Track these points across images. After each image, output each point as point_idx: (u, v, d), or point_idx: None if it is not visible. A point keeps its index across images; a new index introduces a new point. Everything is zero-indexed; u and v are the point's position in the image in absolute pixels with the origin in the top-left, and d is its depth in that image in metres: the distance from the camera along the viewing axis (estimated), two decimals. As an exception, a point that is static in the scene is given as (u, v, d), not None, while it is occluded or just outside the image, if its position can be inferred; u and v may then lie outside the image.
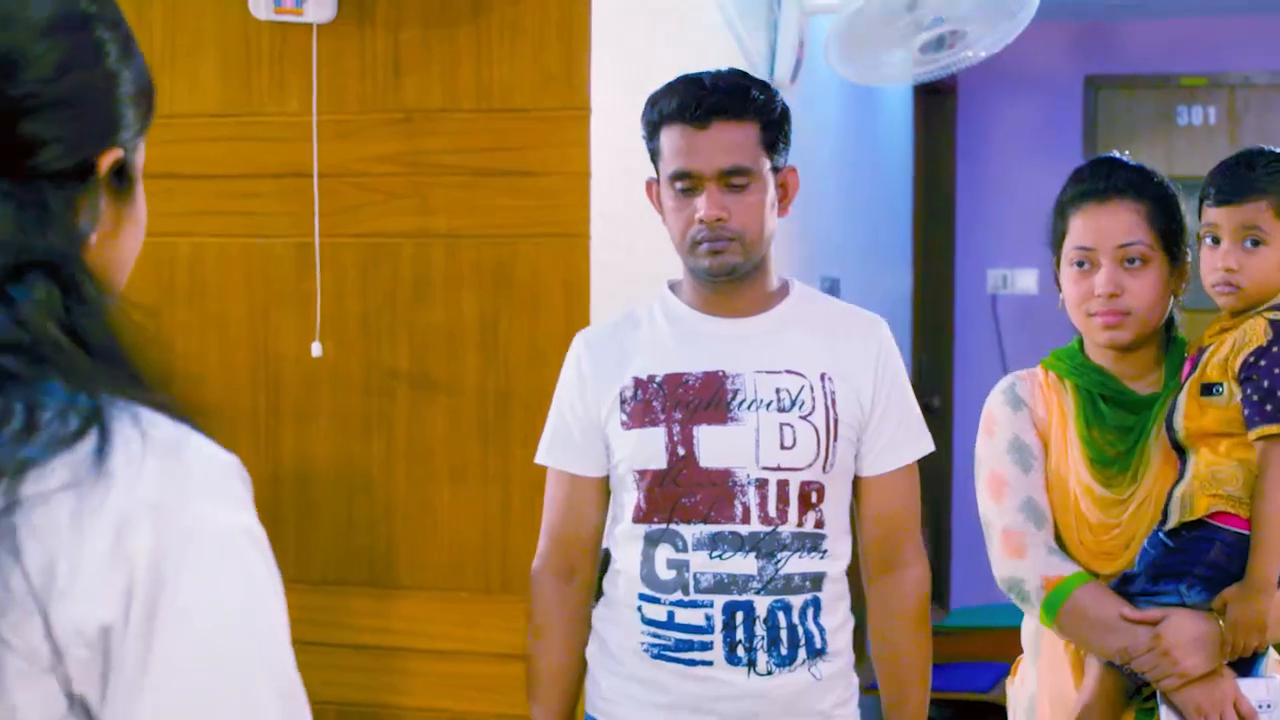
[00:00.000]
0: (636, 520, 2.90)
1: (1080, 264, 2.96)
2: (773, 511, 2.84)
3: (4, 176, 1.23)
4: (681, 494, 2.86)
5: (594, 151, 3.74)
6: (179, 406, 1.25)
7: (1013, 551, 2.93)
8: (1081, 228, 2.96)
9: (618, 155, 3.81)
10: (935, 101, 8.15)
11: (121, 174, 1.33)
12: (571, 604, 3.04)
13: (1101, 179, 2.97)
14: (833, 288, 5.92)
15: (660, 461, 2.87)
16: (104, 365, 1.22)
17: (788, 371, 2.89)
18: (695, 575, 2.84)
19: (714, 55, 4.55)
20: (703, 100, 2.84)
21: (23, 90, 1.23)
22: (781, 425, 2.85)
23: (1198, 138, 8.12)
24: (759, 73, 4.58)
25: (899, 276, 7.67)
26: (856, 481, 2.97)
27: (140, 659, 1.15)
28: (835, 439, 2.87)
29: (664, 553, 2.87)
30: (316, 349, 3.85)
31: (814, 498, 2.87)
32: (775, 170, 2.90)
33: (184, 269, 4.01)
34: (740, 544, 2.83)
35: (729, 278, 2.88)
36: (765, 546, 2.83)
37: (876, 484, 2.96)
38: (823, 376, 2.89)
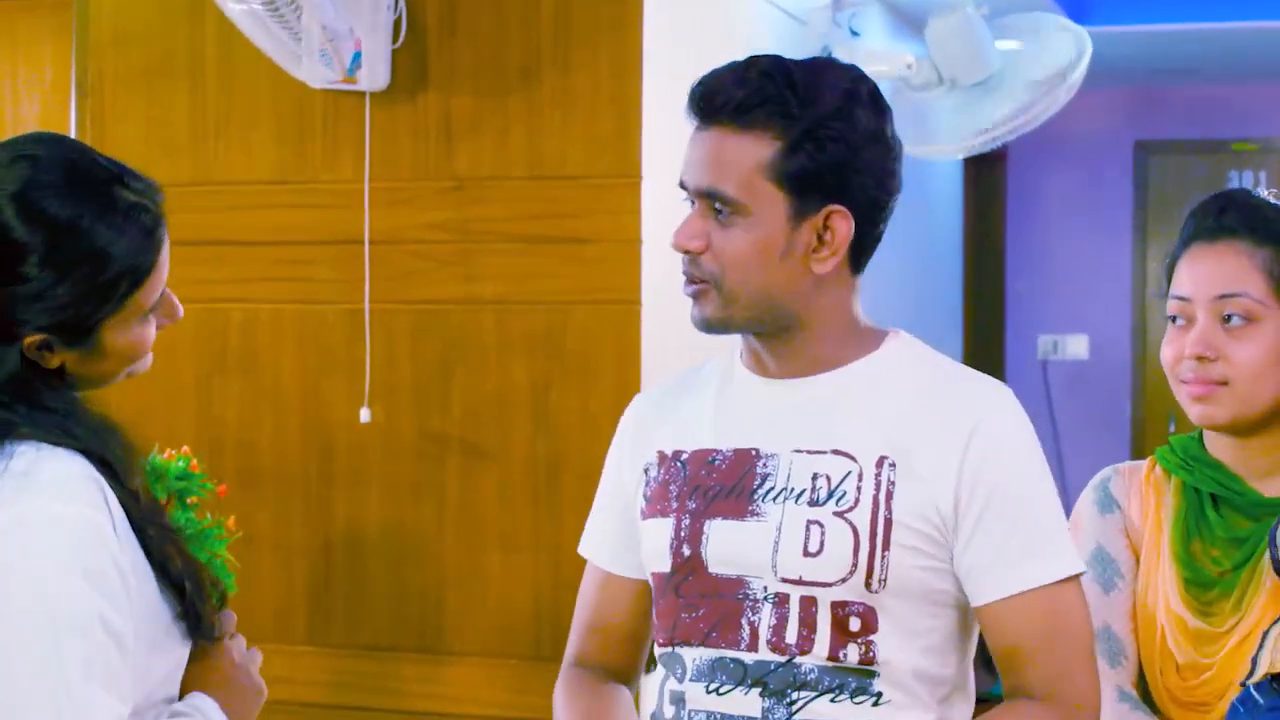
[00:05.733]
0: (657, 639, 2.24)
1: (1174, 318, 2.32)
2: (790, 637, 2.09)
3: None
4: (682, 607, 2.17)
5: (645, 218, 3.75)
6: (102, 452, 1.87)
7: None
8: (1182, 274, 2.31)
9: (669, 222, 3.80)
10: (985, 168, 8.15)
11: (76, 339, 1.91)
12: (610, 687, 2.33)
13: (1212, 215, 2.31)
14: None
15: (664, 563, 2.19)
16: (38, 425, 1.86)
17: (834, 452, 2.12)
18: (690, 714, 2.14)
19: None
20: (708, 92, 2.13)
21: None
22: (809, 524, 2.10)
23: (1250, 203, 8.09)
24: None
25: (949, 343, 7.64)
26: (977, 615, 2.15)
27: None
28: (885, 548, 2.08)
29: (670, 683, 2.18)
30: (365, 414, 3.87)
31: (854, 625, 2.09)
32: (801, 210, 2.10)
33: (236, 335, 4.03)
34: (741, 675, 2.11)
35: (716, 334, 2.18)
36: (775, 682, 2.09)
37: (992, 616, 2.11)
38: (880, 461, 2.10)
